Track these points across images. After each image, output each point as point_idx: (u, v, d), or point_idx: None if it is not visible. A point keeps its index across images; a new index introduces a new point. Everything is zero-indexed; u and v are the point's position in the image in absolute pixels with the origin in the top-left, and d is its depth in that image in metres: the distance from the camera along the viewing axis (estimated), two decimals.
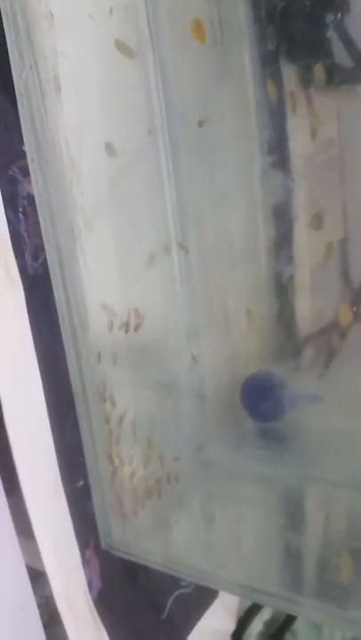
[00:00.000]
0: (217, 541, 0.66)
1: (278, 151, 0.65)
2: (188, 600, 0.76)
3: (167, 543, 0.66)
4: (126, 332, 0.66)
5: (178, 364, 0.71)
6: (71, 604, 0.64)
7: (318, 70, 0.66)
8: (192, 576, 0.61)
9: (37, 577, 0.63)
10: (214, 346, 0.72)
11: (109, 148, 0.60)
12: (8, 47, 0.52)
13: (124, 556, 0.65)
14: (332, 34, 0.61)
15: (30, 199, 0.58)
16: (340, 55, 0.64)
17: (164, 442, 0.69)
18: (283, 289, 0.73)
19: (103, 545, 0.66)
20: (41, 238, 0.58)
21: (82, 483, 0.65)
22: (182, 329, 0.70)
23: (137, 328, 0.67)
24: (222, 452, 0.72)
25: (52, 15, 0.52)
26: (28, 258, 0.59)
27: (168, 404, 0.71)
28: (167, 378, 0.71)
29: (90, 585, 0.66)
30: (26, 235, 0.59)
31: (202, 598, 0.79)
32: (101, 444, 0.64)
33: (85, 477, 0.64)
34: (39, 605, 0.63)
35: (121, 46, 0.60)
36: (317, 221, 0.71)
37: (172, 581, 0.73)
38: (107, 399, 0.63)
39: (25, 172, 0.57)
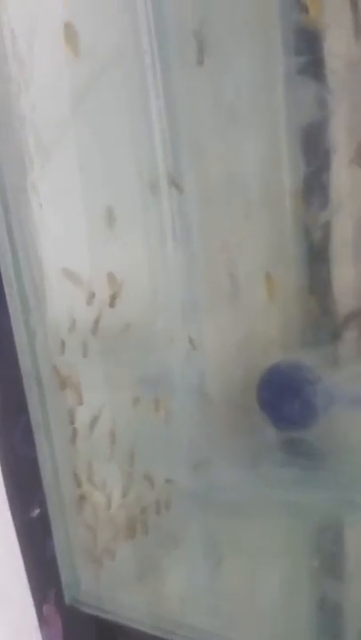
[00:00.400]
0: (225, 591, 0.63)
1: (309, 51, 0.62)
2: None
3: (156, 595, 0.63)
4: (97, 307, 0.63)
5: (170, 351, 0.69)
6: None
7: None
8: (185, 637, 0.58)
9: None
10: (220, 326, 0.70)
11: (73, 45, 0.57)
12: None
13: (97, 614, 0.64)
14: None
15: None
16: None
17: (151, 457, 0.68)
18: (316, 248, 0.70)
19: (68, 599, 0.64)
20: None
21: (37, 511, 0.62)
22: (176, 302, 0.68)
23: (112, 301, 0.64)
24: (232, 472, 0.71)
25: None
26: None
27: (157, 406, 0.69)
28: (156, 371, 0.69)
29: None
30: None
31: None
32: (64, 456, 0.62)
33: (43, 504, 0.62)
34: None
35: None
36: None
37: None
38: (70, 391, 0.61)
39: None
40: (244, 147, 0.65)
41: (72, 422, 0.62)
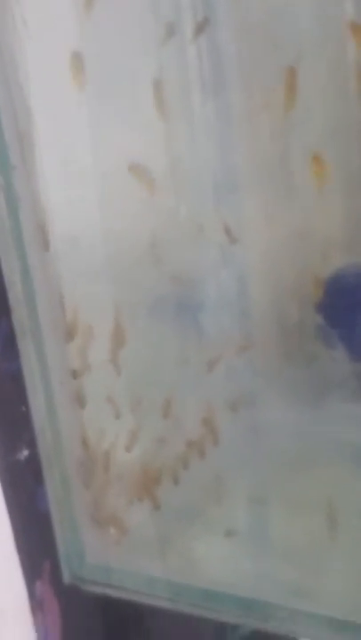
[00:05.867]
0: (276, 552, 0.57)
1: None
2: None
3: (190, 563, 0.57)
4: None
5: (199, 245, 0.62)
6: None
7: None
8: (237, 615, 0.52)
9: None
10: (268, 211, 0.63)
11: None
12: None
13: (108, 593, 0.57)
14: None
15: None
16: None
17: (180, 391, 0.61)
18: None
19: (67, 576, 0.58)
20: None
21: (26, 453, 0.56)
22: (205, 176, 0.61)
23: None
24: (286, 411, 0.65)
25: None
26: None
27: (184, 324, 0.63)
28: (181, 276, 0.62)
29: None
30: None
31: None
32: (62, 378, 0.55)
33: (32, 443, 0.56)
34: None
35: None
36: None
37: (208, 635, 0.64)
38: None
39: None
40: None
41: (70, 336, 0.55)
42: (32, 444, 0.56)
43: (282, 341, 0.65)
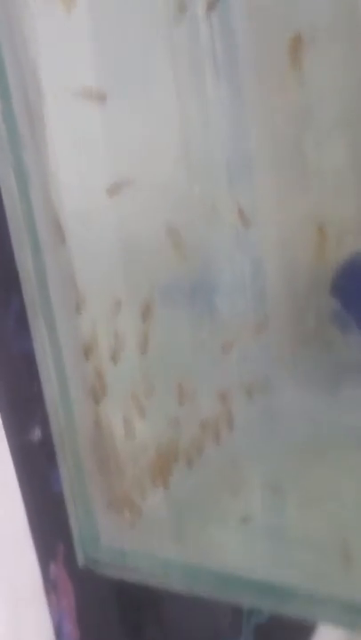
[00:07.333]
0: (293, 537, 0.56)
1: None
2: None
3: (205, 547, 0.56)
4: None
5: (212, 227, 0.62)
6: None
7: None
8: (254, 599, 0.51)
9: None
10: (283, 193, 0.63)
11: None
12: None
13: (122, 576, 0.57)
14: None
15: None
16: None
17: (194, 374, 0.61)
18: None
19: (82, 559, 0.57)
20: None
21: (39, 434, 0.56)
22: (218, 157, 0.61)
23: None
24: (302, 396, 0.65)
25: None
26: None
27: (198, 307, 0.63)
28: (195, 258, 0.62)
29: (58, 633, 0.56)
30: None
31: None
32: (75, 358, 0.55)
33: (45, 424, 0.55)
34: None
35: None
36: None
37: (223, 621, 0.63)
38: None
39: None
40: None
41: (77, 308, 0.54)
42: (45, 425, 0.55)
43: (297, 326, 0.65)
